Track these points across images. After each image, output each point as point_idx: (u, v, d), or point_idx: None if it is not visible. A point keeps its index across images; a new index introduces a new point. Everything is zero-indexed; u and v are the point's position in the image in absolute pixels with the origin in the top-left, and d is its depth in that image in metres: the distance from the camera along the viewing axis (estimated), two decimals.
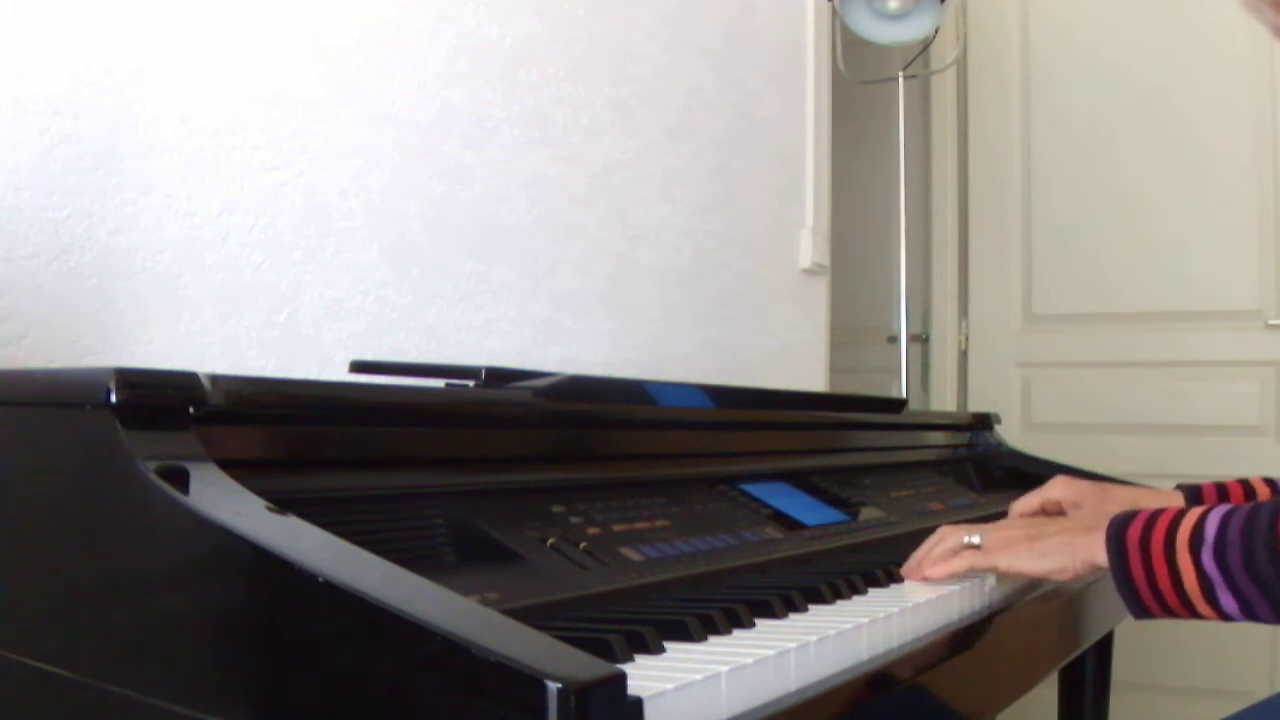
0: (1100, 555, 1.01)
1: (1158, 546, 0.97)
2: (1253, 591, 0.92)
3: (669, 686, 0.64)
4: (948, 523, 1.17)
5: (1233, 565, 0.93)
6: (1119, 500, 1.33)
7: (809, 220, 2.52)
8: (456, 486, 0.95)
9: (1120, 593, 1.00)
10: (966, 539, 1.09)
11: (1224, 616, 0.95)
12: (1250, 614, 0.94)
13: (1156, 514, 1.00)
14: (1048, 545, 1.05)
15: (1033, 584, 1.18)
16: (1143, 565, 0.97)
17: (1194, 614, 0.97)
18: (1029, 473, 2.01)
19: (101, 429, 0.70)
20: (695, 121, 2.14)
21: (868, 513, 1.45)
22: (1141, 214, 3.03)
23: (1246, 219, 2.92)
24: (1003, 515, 1.40)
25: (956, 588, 1.06)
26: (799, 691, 0.76)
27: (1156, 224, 3.01)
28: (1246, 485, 1.32)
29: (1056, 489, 1.34)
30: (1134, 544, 0.98)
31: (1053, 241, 3.16)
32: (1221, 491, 1.32)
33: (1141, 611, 0.99)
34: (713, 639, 0.81)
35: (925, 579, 1.08)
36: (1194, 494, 1.33)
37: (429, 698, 0.57)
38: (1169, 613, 0.98)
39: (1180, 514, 0.98)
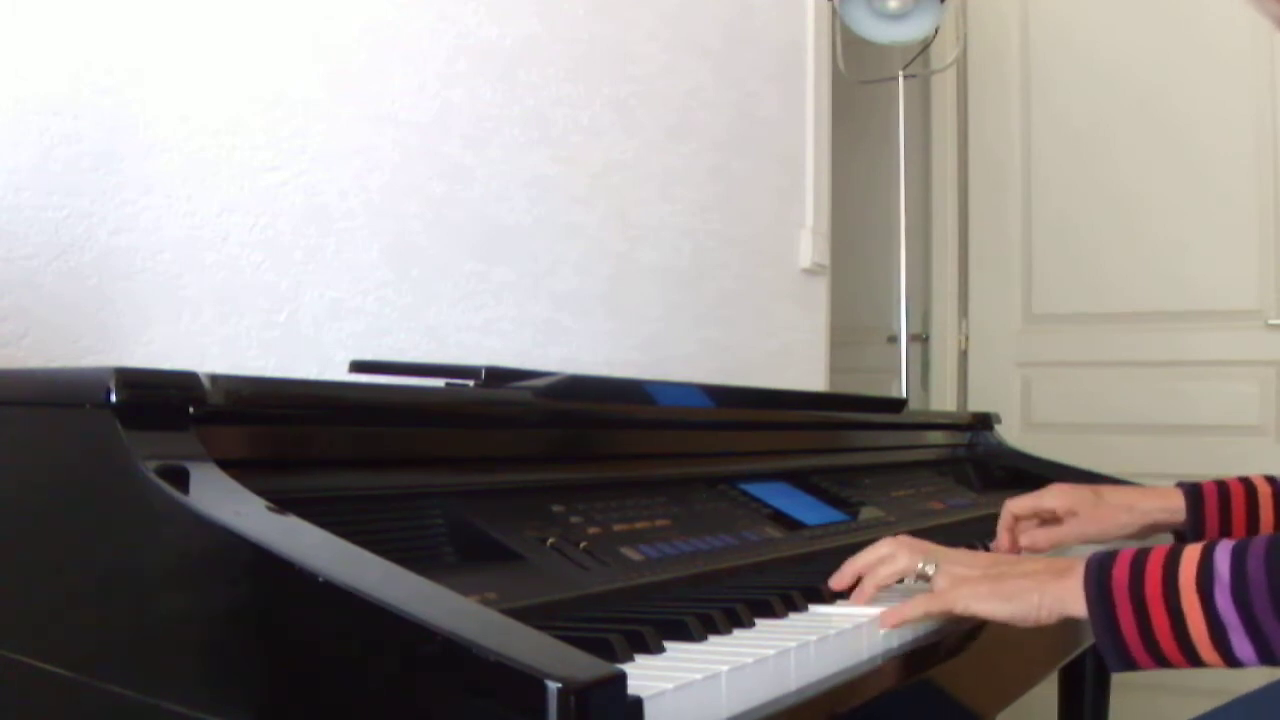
0: (1074, 605, 0.89)
1: (1153, 590, 0.86)
2: (1277, 634, 0.82)
3: (669, 686, 0.64)
4: (911, 532, 1.06)
5: (1256, 606, 0.82)
6: (1114, 504, 1.30)
7: (809, 220, 2.52)
8: (456, 486, 0.95)
9: (1101, 645, 0.88)
10: (921, 566, 0.98)
11: (1233, 663, 0.85)
12: (1268, 658, 0.83)
13: (1143, 554, 0.88)
14: (1011, 588, 0.93)
15: None
16: (1134, 613, 0.86)
17: (1195, 663, 0.85)
18: (1029, 472, 2.01)
19: (101, 429, 0.70)
20: (695, 121, 2.14)
21: (868, 512, 1.45)
22: (1141, 214, 3.03)
23: (1246, 219, 2.92)
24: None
25: None
26: (799, 691, 0.76)
27: (1156, 224, 3.01)
28: (1248, 484, 1.29)
29: (1051, 497, 1.30)
30: (1121, 589, 0.87)
31: (1053, 241, 3.16)
32: (1222, 490, 1.30)
33: (1126, 665, 0.87)
34: (713, 638, 0.81)
35: (880, 624, 0.93)
36: (1194, 492, 1.30)
37: (429, 698, 0.57)
38: (1161, 664, 0.86)
39: (1174, 552, 0.88)
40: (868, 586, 1.00)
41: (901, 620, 0.92)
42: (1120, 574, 0.88)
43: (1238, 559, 0.84)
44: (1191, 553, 0.87)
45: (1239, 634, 0.83)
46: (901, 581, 1.02)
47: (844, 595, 1.02)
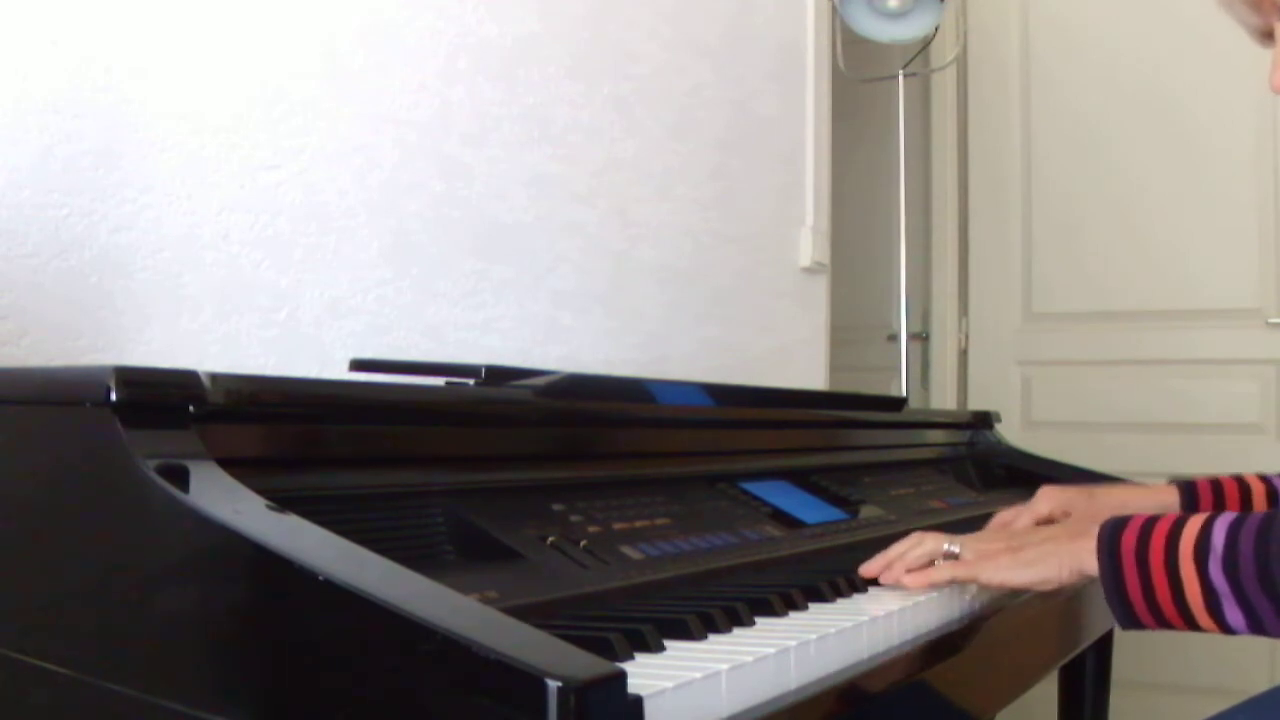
0: (1090, 564, 0.96)
1: (1156, 556, 0.92)
2: (1265, 606, 0.88)
3: (669, 685, 0.64)
4: (926, 527, 1.12)
5: (1244, 578, 0.88)
6: (1108, 503, 1.31)
7: (809, 218, 2.52)
8: (456, 485, 0.95)
9: (1110, 603, 0.95)
10: (946, 547, 1.05)
11: (1227, 630, 0.91)
12: (1258, 628, 0.89)
13: (1152, 521, 0.95)
14: (1031, 555, 1.00)
15: None
16: (1139, 575, 0.92)
17: (1193, 626, 0.92)
18: (1029, 471, 2.01)
19: (101, 427, 0.70)
20: (695, 119, 2.14)
21: (868, 511, 1.45)
22: (1142, 212, 3.03)
23: (1247, 217, 2.92)
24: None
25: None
26: (799, 690, 0.76)
27: (1157, 222, 3.01)
28: (1241, 482, 1.30)
29: (1043, 502, 1.31)
30: (1129, 553, 0.93)
31: (1053, 240, 3.16)
32: (1216, 487, 1.30)
33: (1132, 623, 0.94)
34: (713, 637, 0.81)
35: (902, 587, 1.03)
36: (1188, 490, 1.31)
37: (429, 696, 0.57)
38: (1164, 625, 0.93)
39: (1179, 521, 0.94)
40: (897, 568, 1.06)
41: (929, 582, 1.02)
42: (1129, 538, 0.94)
43: (1232, 533, 0.90)
44: (1194, 523, 0.93)
45: (1230, 602, 0.89)
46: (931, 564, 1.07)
47: (843, 594, 1.02)
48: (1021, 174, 3.20)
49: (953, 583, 1.03)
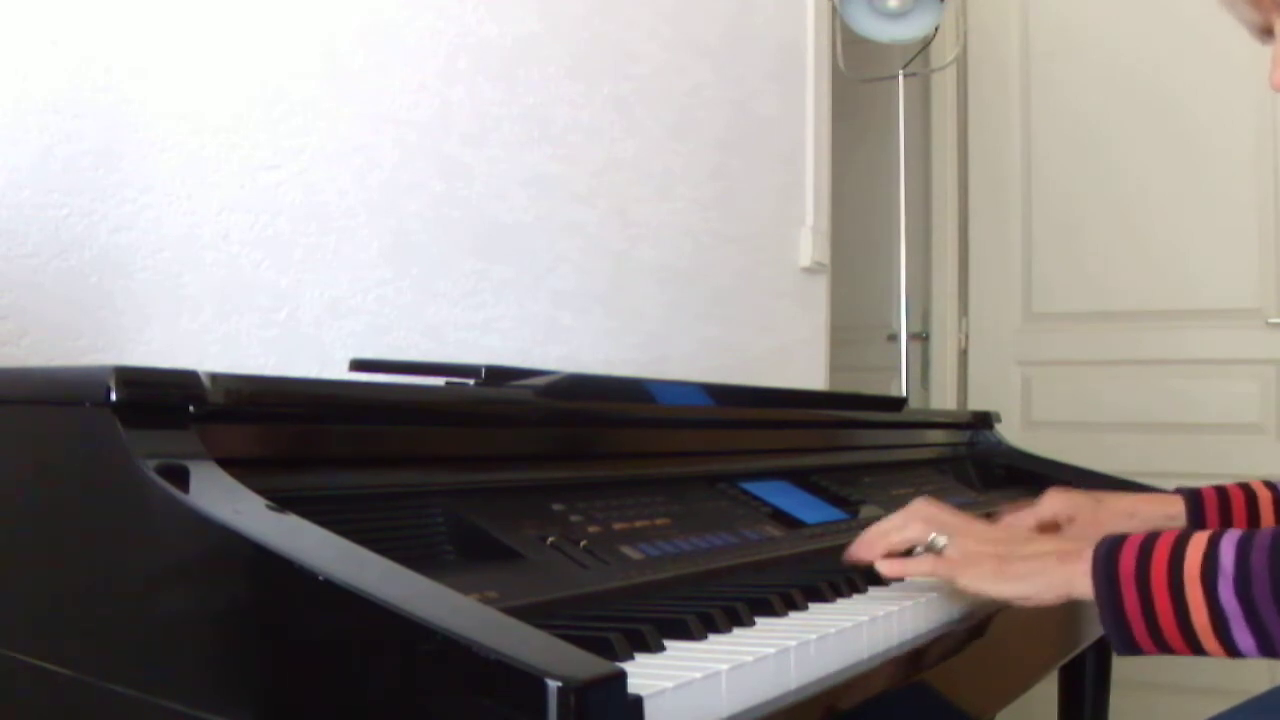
0: (1082, 587, 0.91)
1: (1159, 578, 0.87)
2: (1278, 626, 0.83)
3: (669, 685, 0.64)
4: (924, 499, 1.07)
5: (1258, 598, 0.83)
6: (1114, 510, 1.29)
7: (809, 218, 2.52)
8: (456, 485, 0.95)
9: (1108, 629, 0.89)
10: (932, 537, 1.01)
11: (1234, 654, 0.86)
12: (1268, 650, 0.84)
13: (1150, 540, 0.90)
14: (1019, 569, 0.95)
15: None
16: (1139, 599, 0.87)
17: (1197, 651, 0.87)
18: (1029, 471, 2.01)
19: (101, 427, 0.70)
20: (695, 119, 2.14)
21: (868, 511, 1.45)
22: (1142, 212, 3.03)
23: (1247, 218, 2.92)
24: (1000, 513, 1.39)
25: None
26: (799, 690, 0.76)
27: (1157, 222, 3.01)
28: (1247, 490, 1.28)
29: (1049, 505, 1.29)
30: (1128, 576, 0.88)
31: (1053, 240, 3.16)
32: (1222, 495, 1.29)
33: (1130, 649, 0.89)
34: (713, 637, 0.81)
35: (879, 570, 1.01)
36: (1194, 498, 1.29)
37: (429, 696, 0.57)
38: (1164, 650, 0.88)
39: (1180, 541, 0.89)
40: (879, 545, 1.03)
41: (904, 571, 1.00)
42: (1127, 561, 0.89)
43: (1242, 551, 0.85)
44: (1197, 542, 0.88)
45: (1240, 625, 0.84)
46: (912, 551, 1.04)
47: (843, 594, 1.02)
48: (1021, 174, 3.20)
49: (930, 575, 0.99)
